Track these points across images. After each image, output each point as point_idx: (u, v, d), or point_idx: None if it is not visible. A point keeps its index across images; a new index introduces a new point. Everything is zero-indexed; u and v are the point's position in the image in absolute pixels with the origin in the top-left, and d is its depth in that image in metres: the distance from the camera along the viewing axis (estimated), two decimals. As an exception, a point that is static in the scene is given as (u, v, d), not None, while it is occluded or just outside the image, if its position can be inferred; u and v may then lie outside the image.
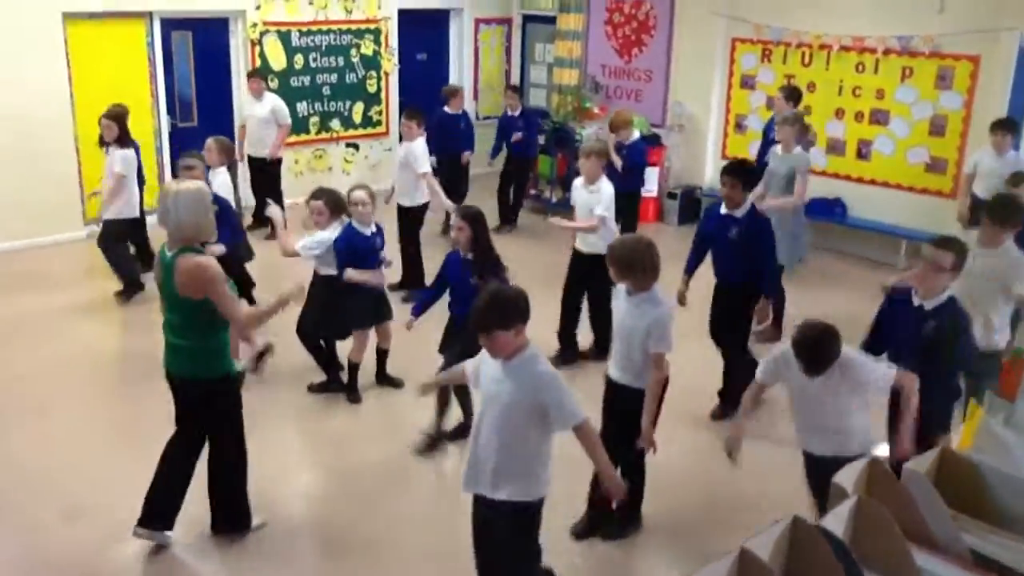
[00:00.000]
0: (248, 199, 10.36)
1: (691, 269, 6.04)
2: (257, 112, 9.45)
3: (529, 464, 3.64)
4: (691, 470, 5.00)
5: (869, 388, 3.97)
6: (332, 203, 6.03)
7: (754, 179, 5.83)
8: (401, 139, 8.31)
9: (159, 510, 4.50)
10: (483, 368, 3.76)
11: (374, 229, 6.03)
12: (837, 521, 2.61)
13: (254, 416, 5.99)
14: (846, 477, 2.77)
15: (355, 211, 5.92)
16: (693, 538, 4.67)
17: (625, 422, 4.60)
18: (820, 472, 3.93)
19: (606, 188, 6.57)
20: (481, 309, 3.54)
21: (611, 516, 4.69)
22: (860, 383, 3.92)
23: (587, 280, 6.65)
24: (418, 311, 5.67)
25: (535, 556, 3.90)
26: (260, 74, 9.68)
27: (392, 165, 11.52)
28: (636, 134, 8.63)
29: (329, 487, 5.34)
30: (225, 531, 4.67)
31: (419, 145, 7.90)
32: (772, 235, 5.80)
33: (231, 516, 4.67)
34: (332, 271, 5.95)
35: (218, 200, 6.21)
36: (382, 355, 6.39)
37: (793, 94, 8.64)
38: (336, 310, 6.00)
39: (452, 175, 9.74)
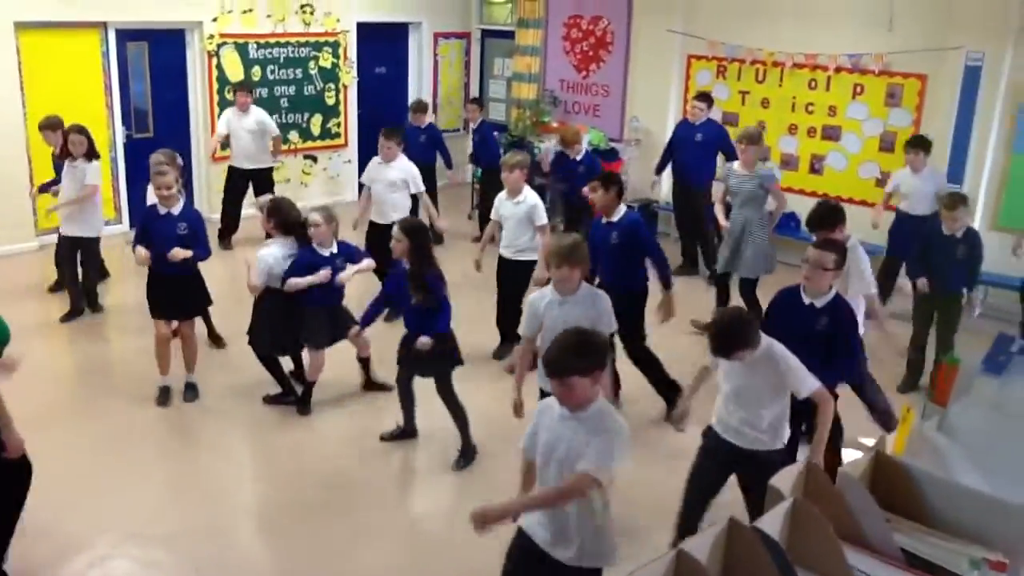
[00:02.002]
0: (205, 211, 10.35)
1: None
2: (246, 125, 9.45)
3: (592, 526, 3.24)
4: (639, 473, 5.07)
5: (787, 385, 4.10)
6: (273, 217, 6.06)
7: (622, 188, 6.11)
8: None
9: None
10: (542, 419, 3.37)
11: (334, 250, 5.97)
12: (773, 523, 2.65)
13: (208, 429, 6.03)
14: (783, 480, 2.82)
15: (311, 232, 5.91)
16: (636, 540, 4.69)
17: None
18: (730, 462, 4.25)
19: (532, 198, 6.83)
20: (560, 350, 3.17)
21: None
22: (779, 377, 4.05)
23: (517, 282, 6.97)
24: (365, 322, 5.80)
25: None
26: (247, 87, 9.67)
27: (350, 178, 11.67)
28: (586, 147, 8.86)
29: (281, 499, 5.30)
30: None
31: (408, 163, 7.93)
32: (648, 230, 6.18)
33: None
34: (278, 285, 5.94)
35: (194, 215, 6.22)
36: (364, 363, 6.39)
37: (709, 98, 9.20)
38: (286, 325, 5.99)
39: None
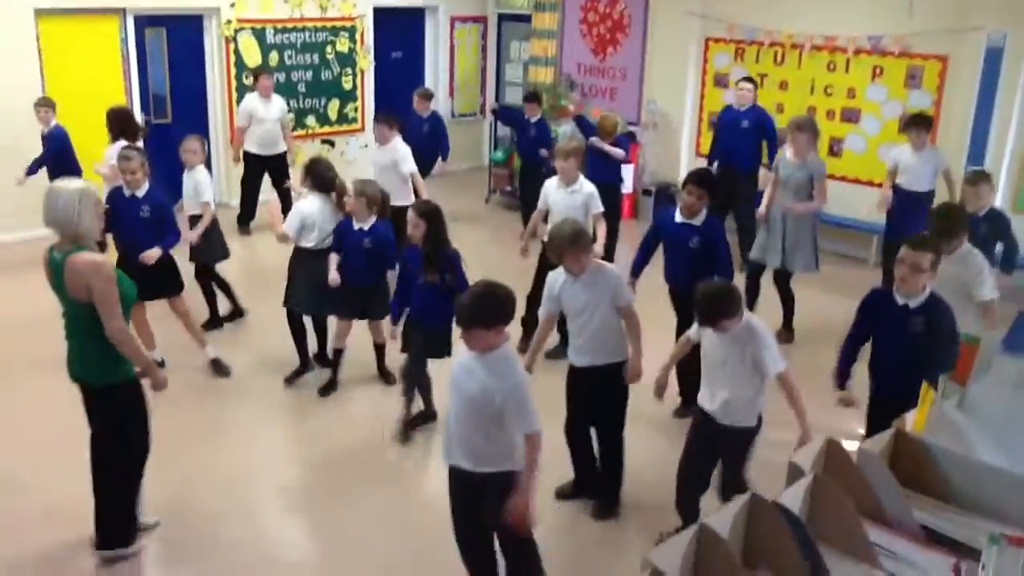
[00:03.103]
0: (225, 197, 10.41)
1: (638, 271, 5.99)
2: (271, 113, 9.45)
3: (508, 443, 3.67)
4: (660, 454, 5.10)
5: (760, 363, 4.16)
6: (311, 175, 6.15)
7: (715, 192, 5.87)
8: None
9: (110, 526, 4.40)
10: (457, 361, 3.80)
11: (365, 227, 5.94)
12: (794, 498, 2.67)
13: (232, 408, 6.09)
14: (803, 457, 2.84)
15: (348, 203, 5.94)
16: (658, 517, 4.77)
17: (599, 403, 4.78)
18: (711, 430, 4.36)
19: (588, 186, 6.49)
20: (467, 305, 3.58)
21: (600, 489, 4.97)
22: (755, 351, 4.13)
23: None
24: (396, 318, 5.71)
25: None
26: (269, 71, 9.68)
27: (367, 163, 11.69)
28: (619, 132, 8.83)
29: (303, 482, 5.36)
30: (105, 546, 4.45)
31: (400, 145, 7.82)
32: (727, 242, 5.80)
33: (112, 530, 4.47)
34: (309, 244, 6.06)
35: (159, 198, 6.25)
36: (377, 350, 6.41)
37: (754, 81, 9.00)
38: (320, 283, 6.01)
39: None
